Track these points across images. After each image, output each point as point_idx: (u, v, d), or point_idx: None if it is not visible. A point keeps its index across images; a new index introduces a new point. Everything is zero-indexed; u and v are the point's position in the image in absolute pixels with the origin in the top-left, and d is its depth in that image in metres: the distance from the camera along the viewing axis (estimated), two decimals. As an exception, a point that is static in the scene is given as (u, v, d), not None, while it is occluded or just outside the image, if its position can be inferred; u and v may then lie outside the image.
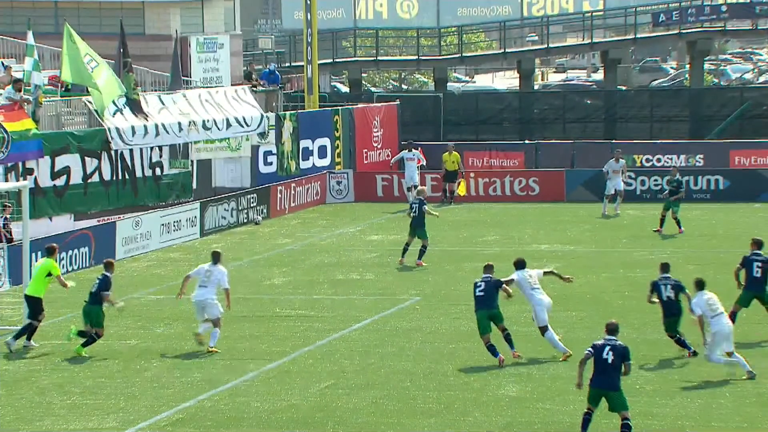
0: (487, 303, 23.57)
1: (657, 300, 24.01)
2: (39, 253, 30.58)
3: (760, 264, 25.05)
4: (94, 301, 25.02)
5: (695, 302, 22.80)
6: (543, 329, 23.89)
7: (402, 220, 38.59)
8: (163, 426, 20.39)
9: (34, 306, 25.57)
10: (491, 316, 23.58)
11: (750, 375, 22.38)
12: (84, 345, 24.94)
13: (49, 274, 25.66)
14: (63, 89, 39.08)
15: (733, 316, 24.15)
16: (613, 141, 52.60)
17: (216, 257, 25.57)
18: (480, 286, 23.72)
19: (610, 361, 19.09)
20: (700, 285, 22.93)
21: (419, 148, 47.90)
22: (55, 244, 27.16)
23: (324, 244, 38.50)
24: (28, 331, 25.58)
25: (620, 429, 18.95)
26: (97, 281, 25.24)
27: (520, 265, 24.33)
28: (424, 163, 46.97)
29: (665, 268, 24.14)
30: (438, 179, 46.80)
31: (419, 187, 38.13)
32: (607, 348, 19.22)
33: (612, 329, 19.49)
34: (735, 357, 22.51)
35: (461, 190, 45.42)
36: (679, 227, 38.61)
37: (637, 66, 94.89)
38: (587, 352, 19.29)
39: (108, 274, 25.26)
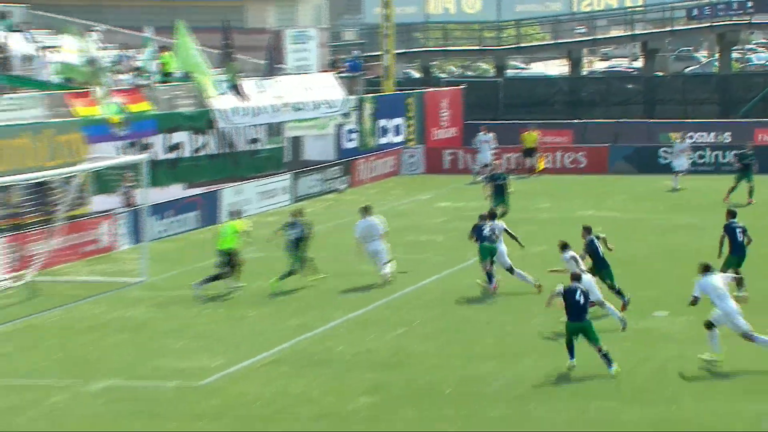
0: (490, 239, 25.30)
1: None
2: (155, 216, 30.97)
3: (740, 230, 24.84)
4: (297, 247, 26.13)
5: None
6: (509, 269, 25.29)
7: (466, 190, 38.54)
8: (262, 365, 20.60)
9: (227, 258, 25.84)
10: (491, 251, 25.20)
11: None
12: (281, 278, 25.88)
13: (237, 232, 26.06)
14: (166, 76, 39.27)
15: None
16: (651, 120, 52.22)
17: (366, 210, 26.80)
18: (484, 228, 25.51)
19: (582, 302, 19.66)
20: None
21: (492, 131, 47.35)
22: (239, 209, 28.38)
23: (399, 210, 38.61)
24: (216, 278, 25.76)
25: (600, 357, 19.39)
26: (294, 229, 26.13)
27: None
28: (496, 145, 46.57)
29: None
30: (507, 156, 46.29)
31: (494, 161, 38.02)
32: (579, 291, 19.74)
33: (577, 278, 20.23)
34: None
35: (540, 164, 45.42)
36: (750, 197, 37.69)
37: (672, 55, 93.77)
38: (558, 290, 19.91)
39: (297, 221, 26.27)
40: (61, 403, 18.41)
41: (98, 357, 21.21)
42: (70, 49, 34.21)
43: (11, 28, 36.20)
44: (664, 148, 44.53)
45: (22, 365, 20.74)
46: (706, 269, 20.16)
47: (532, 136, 45.93)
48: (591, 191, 41.94)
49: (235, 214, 27.19)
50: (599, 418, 17.43)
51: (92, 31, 38.32)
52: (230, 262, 26.01)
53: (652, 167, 45.90)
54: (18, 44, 34.73)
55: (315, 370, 20.11)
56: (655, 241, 31.90)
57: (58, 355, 21.36)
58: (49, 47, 35.33)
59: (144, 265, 27.70)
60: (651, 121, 52.37)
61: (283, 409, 18.04)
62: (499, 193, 33.88)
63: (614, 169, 46.70)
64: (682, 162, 42.37)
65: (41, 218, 29.69)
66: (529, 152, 45.82)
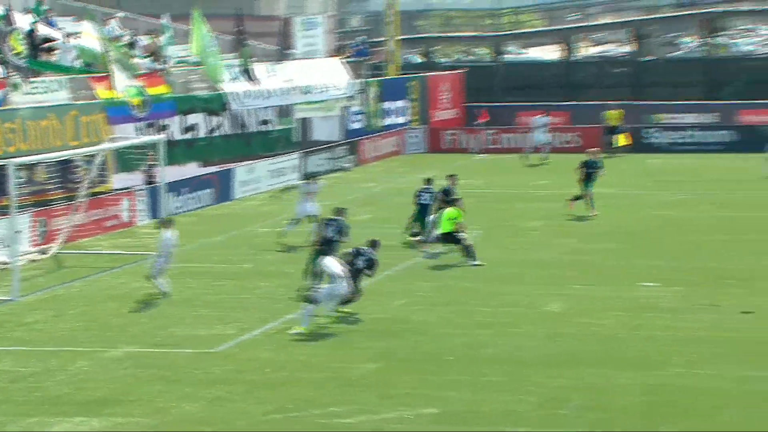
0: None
1: None
2: (172, 193, 30.74)
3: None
4: None
5: None
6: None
7: (467, 168, 38.31)
8: (272, 333, 20.58)
9: (449, 239, 25.96)
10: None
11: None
12: None
13: (451, 219, 25.96)
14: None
15: None
16: (640, 102, 52.10)
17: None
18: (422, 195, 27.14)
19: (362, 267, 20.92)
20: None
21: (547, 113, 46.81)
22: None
23: (402, 187, 38.49)
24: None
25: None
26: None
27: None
28: (550, 120, 45.98)
29: None
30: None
31: (593, 149, 35.19)
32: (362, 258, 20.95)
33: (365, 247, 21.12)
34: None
35: (622, 141, 45.53)
36: None
37: (660, 39, 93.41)
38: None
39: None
40: (85, 368, 18.36)
41: (119, 325, 21.16)
42: (91, 34, 34.05)
43: (41, 15, 36.11)
44: (651, 129, 44.57)
45: (48, 333, 20.71)
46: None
47: (615, 114, 45.93)
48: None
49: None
50: (595, 383, 17.35)
51: (111, 18, 38.14)
52: (453, 241, 25.88)
53: (641, 146, 46.00)
54: (45, 30, 34.65)
55: (322, 338, 20.06)
56: (647, 215, 31.79)
57: (81, 324, 21.30)
58: (71, 33, 35.18)
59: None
60: (640, 102, 52.15)
61: (292, 374, 17.99)
62: (591, 179, 33.21)
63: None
64: (540, 137, 43.21)
65: (65, 195, 29.64)
66: (612, 130, 45.80)
